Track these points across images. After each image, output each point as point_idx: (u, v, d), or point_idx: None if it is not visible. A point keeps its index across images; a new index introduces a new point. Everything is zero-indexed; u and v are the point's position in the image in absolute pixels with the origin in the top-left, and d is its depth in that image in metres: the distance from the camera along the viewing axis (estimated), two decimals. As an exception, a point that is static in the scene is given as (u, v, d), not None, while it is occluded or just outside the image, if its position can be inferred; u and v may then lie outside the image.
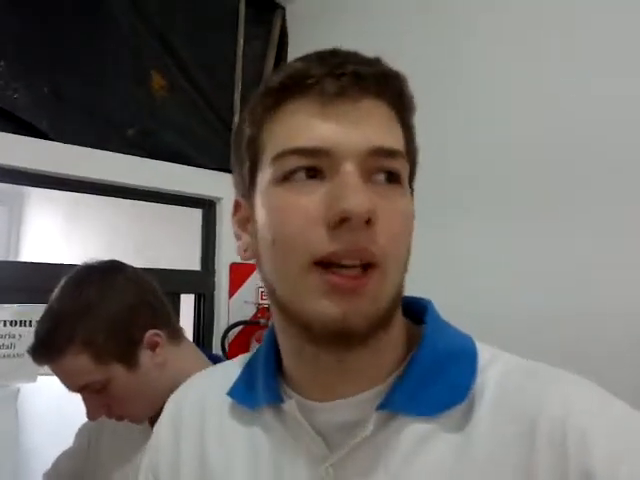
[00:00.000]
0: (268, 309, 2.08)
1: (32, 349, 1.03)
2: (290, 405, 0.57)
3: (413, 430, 0.54)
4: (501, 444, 0.50)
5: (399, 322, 0.58)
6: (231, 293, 2.08)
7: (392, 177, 0.53)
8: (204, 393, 0.67)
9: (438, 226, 1.54)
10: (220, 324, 2.06)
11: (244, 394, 0.62)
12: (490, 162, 1.51)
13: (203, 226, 2.10)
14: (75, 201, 2.59)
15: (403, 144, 0.55)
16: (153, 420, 1.06)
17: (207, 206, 2.10)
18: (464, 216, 1.55)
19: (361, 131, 0.52)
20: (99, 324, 1.00)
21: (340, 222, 0.49)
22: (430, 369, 0.55)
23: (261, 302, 2.10)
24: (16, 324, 1.70)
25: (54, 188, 1.80)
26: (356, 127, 0.52)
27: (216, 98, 2.08)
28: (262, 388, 0.60)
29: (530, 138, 1.43)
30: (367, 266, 0.50)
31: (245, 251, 0.59)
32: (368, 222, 0.49)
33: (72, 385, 1.04)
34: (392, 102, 0.55)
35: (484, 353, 0.57)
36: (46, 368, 1.08)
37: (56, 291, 1.06)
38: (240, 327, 2.07)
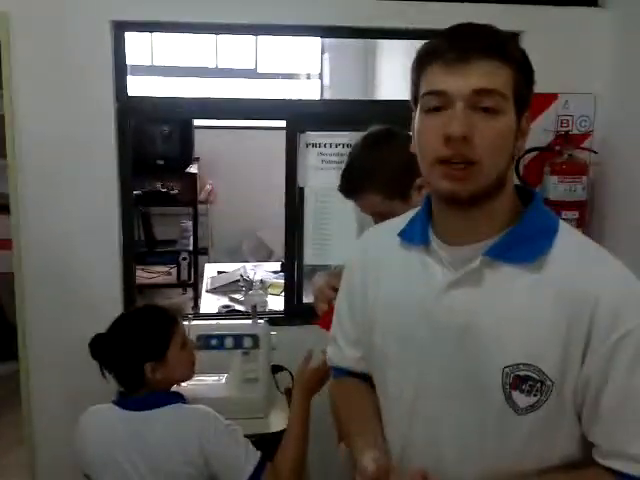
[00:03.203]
0: (565, 137, 2.22)
1: (341, 188, 1.51)
2: (434, 245, 0.96)
3: (505, 270, 0.90)
4: (558, 295, 0.87)
5: (506, 200, 0.92)
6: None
7: (489, 108, 0.84)
8: (382, 236, 1.08)
9: None
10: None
11: (408, 235, 1.01)
12: None
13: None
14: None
15: (508, 84, 0.85)
16: None
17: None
18: None
19: (467, 80, 0.84)
20: (389, 175, 1.43)
21: (447, 140, 0.84)
22: (523, 236, 0.90)
23: (560, 129, 2.23)
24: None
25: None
26: (465, 78, 0.84)
27: None
28: (419, 233, 0.99)
29: None
30: (469, 163, 0.85)
31: (413, 147, 0.94)
32: (465, 139, 0.83)
33: (366, 212, 1.51)
34: (502, 57, 0.85)
35: (563, 231, 0.92)
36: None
37: (359, 146, 1.50)
38: (534, 153, 2.23)
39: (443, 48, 0.86)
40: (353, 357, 1.13)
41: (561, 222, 0.95)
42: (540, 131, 2.21)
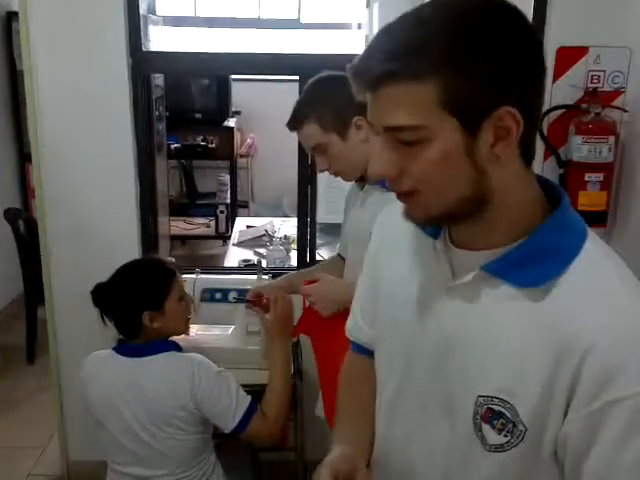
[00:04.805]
0: (595, 94, 2.07)
1: (287, 123, 1.58)
2: (439, 243, 0.85)
3: (502, 290, 0.77)
4: (552, 331, 0.72)
5: (508, 209, 0.77)
6: (555, 77, 2.08)
7: (409, 142, 0.72)
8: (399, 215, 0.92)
9: None
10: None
11: None
12: None
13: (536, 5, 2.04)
14: None
15: (424, 106, 0.69)
16: (360, 181, 1.62)
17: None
18: None
19: (378, 115, 0.73)
20: (327, 105, 1.49)
21: None
22: (532, 253, 0.75)
23: (590, 86, 2.09)
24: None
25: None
26: (375, 112, 0.73)
27: None
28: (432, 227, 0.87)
29: None
30: (408, 194, 0.76)
31: None
32: (393, 178, 0.75)
33: (307, 146, 1.59)
34: (417, 71, 0.68)
35: (587, 252, 0.75)
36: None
37: (311, 84, 1.57)
38: (561, 111, 2.11)
39: (360, 69, 0.73)
40: (367, 333, 1.05)
41: (589, 239, 0.77)
42: (567, 87, 2.08)
